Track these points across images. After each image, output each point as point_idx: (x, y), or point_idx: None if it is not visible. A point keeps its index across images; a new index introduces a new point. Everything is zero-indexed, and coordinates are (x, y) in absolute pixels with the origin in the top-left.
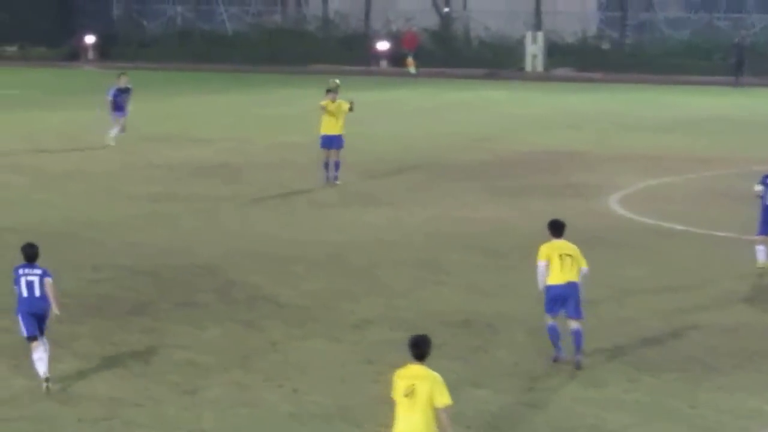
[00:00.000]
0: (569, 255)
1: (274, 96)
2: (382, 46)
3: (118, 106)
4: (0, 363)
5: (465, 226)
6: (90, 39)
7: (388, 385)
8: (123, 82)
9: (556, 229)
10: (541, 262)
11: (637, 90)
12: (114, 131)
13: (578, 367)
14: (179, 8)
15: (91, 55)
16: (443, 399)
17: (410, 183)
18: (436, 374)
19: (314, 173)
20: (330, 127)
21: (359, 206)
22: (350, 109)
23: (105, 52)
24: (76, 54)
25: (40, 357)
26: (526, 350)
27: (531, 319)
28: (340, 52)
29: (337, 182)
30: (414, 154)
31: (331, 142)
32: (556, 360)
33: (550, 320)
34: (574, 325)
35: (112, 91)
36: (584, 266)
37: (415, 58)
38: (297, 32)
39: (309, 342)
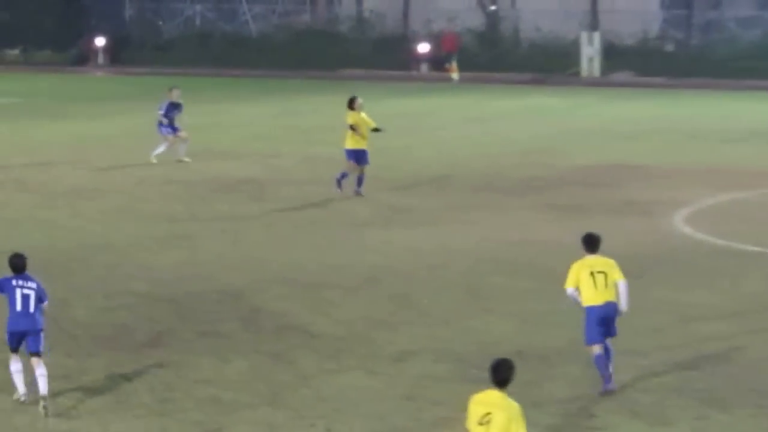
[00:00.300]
0: (601, 272)
1: (303, 104)
2: (422, 48)
3: (168, 123)
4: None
5: (515, 248)
6: (100, 42)
7: (429, 424)
8: (175, 96)
9: (590, 244)
10: (569, 290)
11: (704, 96)
12: (161, 149)
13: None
14: (198, 7)
15: (101, 59)
16: None
17: (454, 200)
18: (516, 404)
19: (349, 190)
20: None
21: (398, 226)
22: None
23: (116, 56)
24: (84, 58)
25: (41, 374)
26: (582, 385)
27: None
28: (376, 56)
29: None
30: (458, 168)
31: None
32: (605, 392)
33: (597, 350)
34: (605, 342)
35: (164, 106)
36: (621, 279)
37: (457, 62)
38: (328, 34)
39: (343, 376)
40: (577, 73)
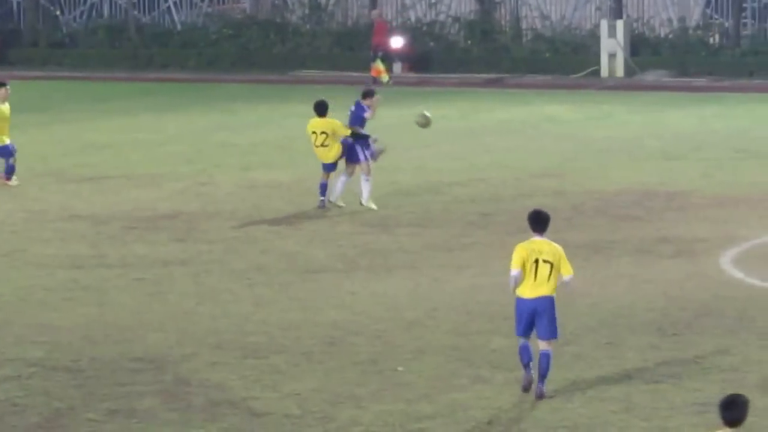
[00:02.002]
0: (547, 261)
1: (243, 116)
2: (396, 43)
3: None
4: None
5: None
6: None
7: None
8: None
9: (537, 222)
10: (513, 271)
11: (760, 102)
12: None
13: (540, 396)
14: None
15: None
16: None
17: (439, 237)
18: None
19: (301, 225)
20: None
21: (366, 272)
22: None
23: (2, 54)
24: None
25: None
26: None
27: (608, 429)
28: (337, 53)
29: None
30: (444, 195)
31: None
32: (525, 388)
33: (521, 341)
34: (543, 346)
35: None
36: (566, 275)
37: (385, 60)
38: (274, 25)
39: None
40: (596, 73)
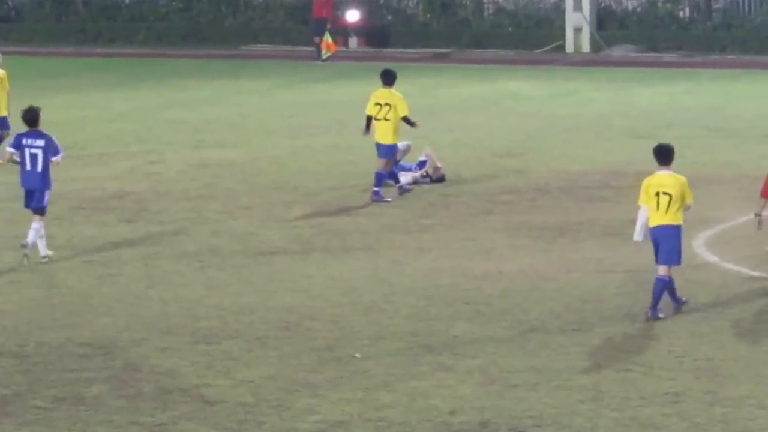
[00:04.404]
0: (666, 193)
1: (194, 92)
2: (352, 16)
3: None
4: None
5: (479, 284)
6: None
7: None
8: None
9: (662, 155)
10: (643, 208)
11: (733, 78)
12: None
13: (647, 318)
14: None
15: None
16: None
17: (397, 219)
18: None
19: (255, 206)
20: None
21: (322, 254)
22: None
23: None
24: None
25: (34, 227)
26: None
27: (575, 420)
28: (290, 27)
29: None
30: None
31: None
32: (648, 317)
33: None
34: (660, 271)
35: None
36: (688, 201)
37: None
38: None
39: None
40: (561, 48)
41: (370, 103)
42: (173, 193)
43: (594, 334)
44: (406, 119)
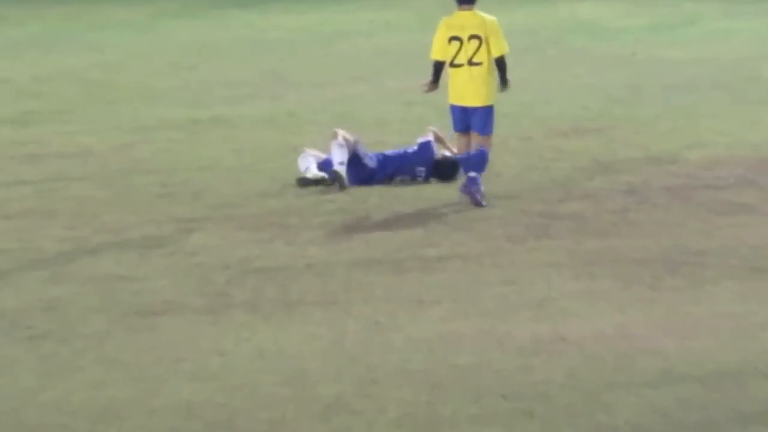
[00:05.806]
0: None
1: (17, 28)
2: None
3: None
4: None
5: (525, 362)
6: None
7: None
8: None
9: None
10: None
11: None
12: None
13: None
14: None
15: None
16: None
17: (378, 247)
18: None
19: (129, 226)
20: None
21: (246, 311)
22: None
23: None
24: None
25: None
26: None
27: None
28: None
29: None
30: None
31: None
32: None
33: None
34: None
35: None
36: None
37: None
38: None
39: None
40: None
41: (441, 37)
42: None
43: None
44: (500, 64)
